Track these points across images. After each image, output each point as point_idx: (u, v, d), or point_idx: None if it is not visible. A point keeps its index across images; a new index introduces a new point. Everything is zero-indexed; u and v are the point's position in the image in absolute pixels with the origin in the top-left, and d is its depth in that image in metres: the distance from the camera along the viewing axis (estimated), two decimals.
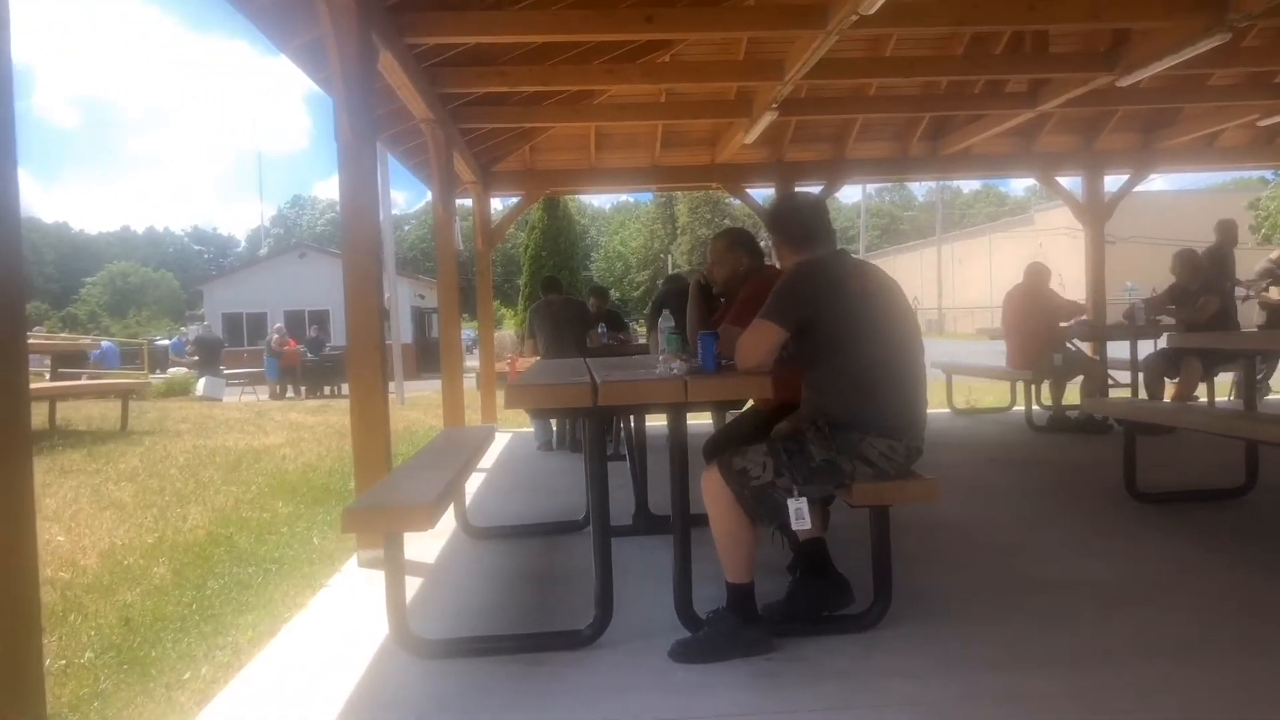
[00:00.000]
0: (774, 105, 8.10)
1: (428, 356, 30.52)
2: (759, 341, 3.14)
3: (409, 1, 5.63)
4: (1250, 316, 10.46)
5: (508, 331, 29.13)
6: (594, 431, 3.41)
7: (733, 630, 3.12)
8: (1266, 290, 10.04)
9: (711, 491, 3.15)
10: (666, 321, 3.93)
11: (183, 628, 3.75)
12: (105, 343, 22.81)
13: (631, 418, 5.32)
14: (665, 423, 3.34)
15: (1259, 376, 9.71)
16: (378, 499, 3.30)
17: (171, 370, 23.26)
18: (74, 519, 5.60)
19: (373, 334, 4.64)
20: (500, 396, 10.28)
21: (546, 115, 9.38)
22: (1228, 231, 10.05)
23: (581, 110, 9.49)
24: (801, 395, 3.41)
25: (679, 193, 53.53)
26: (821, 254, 3.31)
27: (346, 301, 4.66)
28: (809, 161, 11.21)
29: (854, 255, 3.50)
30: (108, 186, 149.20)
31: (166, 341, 27.02)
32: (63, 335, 35.88)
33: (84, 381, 13.92)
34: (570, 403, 3.19)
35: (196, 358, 21.63)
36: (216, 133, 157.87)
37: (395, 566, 3.20)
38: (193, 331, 23.31)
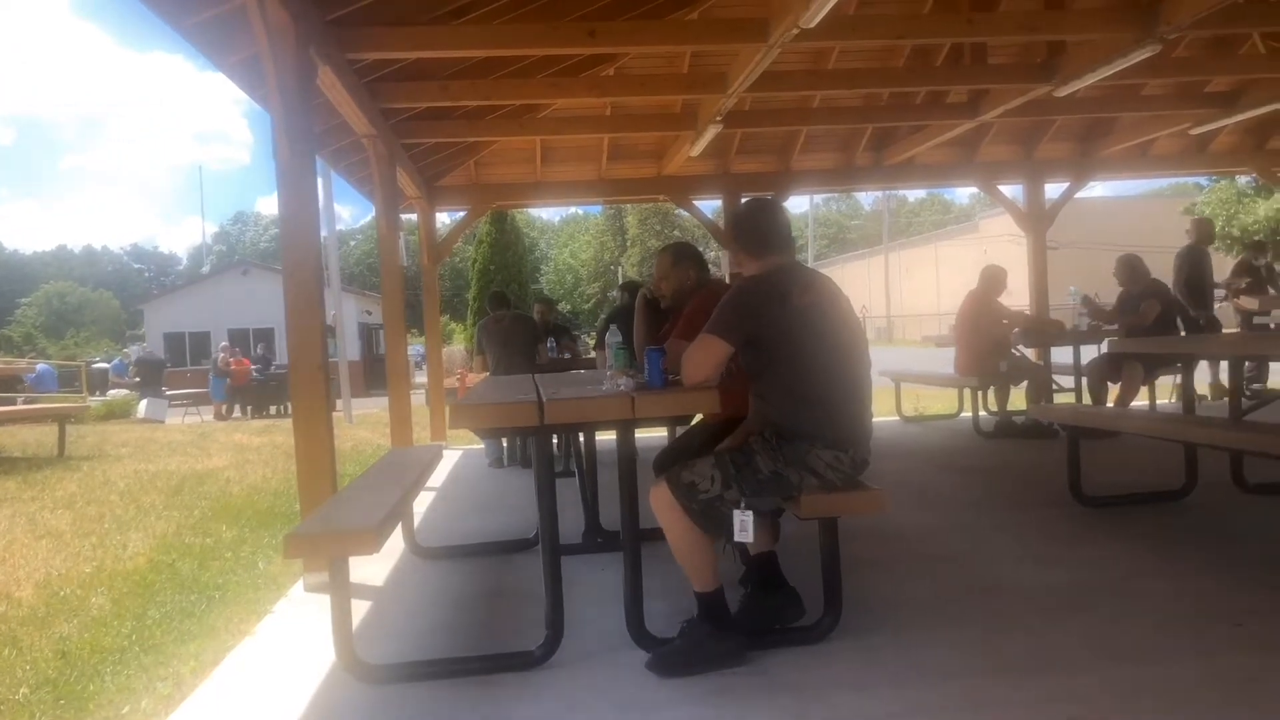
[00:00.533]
0: (719, 118, 8.14)
1: (375, 373, 30.18)
2: (705, 356, 3.14)
3: (348, 17, 5.56)
4: (1231, 318, 10.72)
5: (458, 347, 28.92)
6: (541, 450, 3.38)
7: (707, 639, 3.11)
8: (1243, 291, 10.25)
9: (660, 505, 3.14)
10: (614, 337, 3.92)
11: (122, 660, 3.65)
12: (41, 365, 22.26)
13: (580, 434, 5.29)
14: (615, 438, 3.32)
15: (1251, 381, 9.94)
16: (322, 523, 3.24)
17: (111, 392, 22.78)
18: (7, 549, 5.43)
19: (315, 354, 4.56)
20: (449, 413, 10.19)
21: (491, 129, 9.33)
22: (1203, 230, 10.27)
23: (526, 124, 9.46)
24: (749, 407, 3.41)
25: (628, 205, 53.66)
26: (774, 264, 3.31)
27: (288, 321, 4.57)
28: (756, 173, 11.29)
29: (806, 266, 3.51)
30: (43, 205, 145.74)
31: (106, 364, 26.43)
32: None
33: (19, 406, 13.56)
34: (516, 422, 3.16)
35: (138, 379, 21.20)
36: (155, 149, 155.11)
37: (340, 591, 3.14)
38: (134, 352, 22.86)
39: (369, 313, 33.96)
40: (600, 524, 4.93)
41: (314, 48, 4.89)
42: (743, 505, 3.09)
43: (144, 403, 18.69)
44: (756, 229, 3.39)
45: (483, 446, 8.94)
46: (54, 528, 5.95)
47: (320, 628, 3.75)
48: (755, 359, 3.23)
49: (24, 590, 4.65)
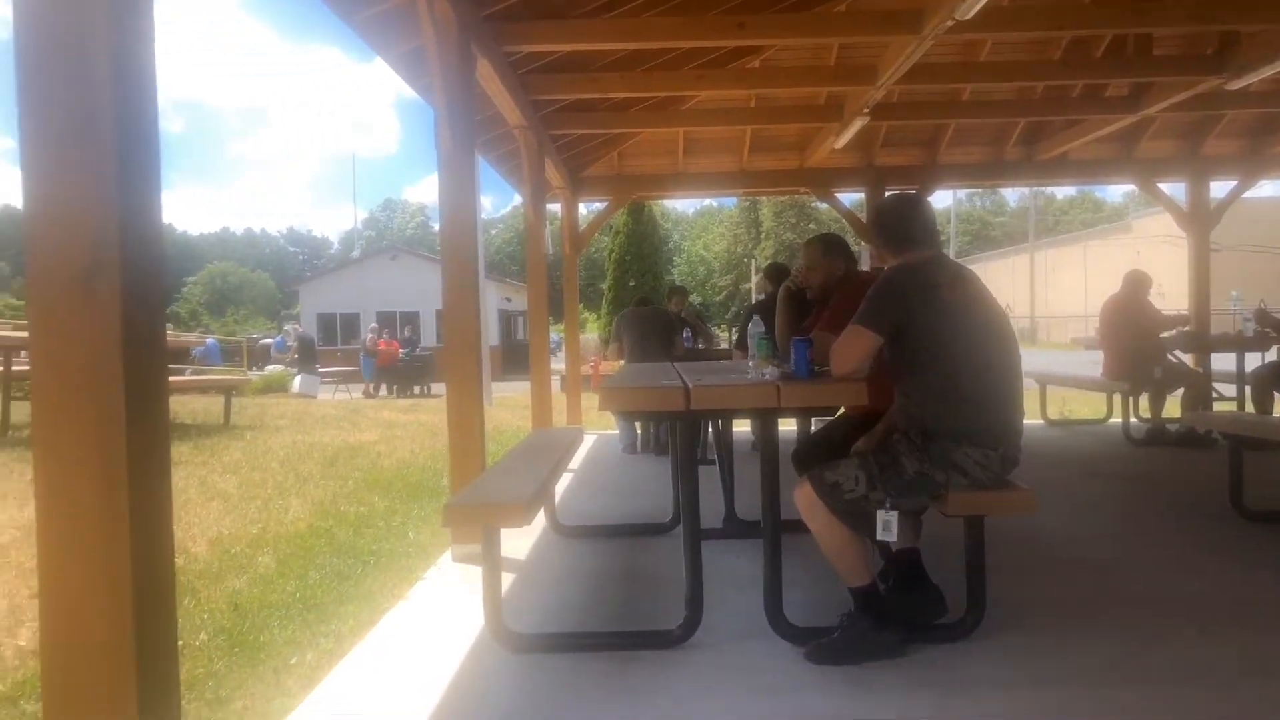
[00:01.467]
0: (865, 110, 8.05)
1: (513, 358, 30.95)
2: (853, 347, 3.15)
3: (506, 11, 5.76)
4: None
5: (591, 335, 29.37)
6: (685, 436, 3.46)
7: (865, 633, 3.14)
8: None
9: (805, 505, 3.17)
10: (756, 327, 3.97)
11: (287, 615, 3.90)
12: (209, 340, 23.65)
13: (719, 422, 5.36)
14: (750, 428, 3.37)
15: None
16: (475, 496, 3.40)
17: (269, 367, 23.99)
18: (183, 508, 5.85)
19: (470, 337, 4.76)
20: (585, 399, 10.41)
21: (636, 120, 9.47)
22: None
23: (670, 115, 9.56)
24: (892, 401, 3.41)
25: (764, 197, 53.26)
26: (920, 257, 3.30)
27: (445, 305, 4.79)
28: (901, 166, 11.09)
29: (952, 260, 3.47)
30: (209, 189, 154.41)
31: (270, 340, 27.82)
32: (169, 333, 37.24)
33: (189, 378, 14.48)
34: (662, 406, 3.24)
35: (296, 356, 22.31)
36: (311, 138, 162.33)
37: (491, 562, 3.29)
38: (292, 331, 24.08)
39: (508, 300, 34.79)
40: (736, 511, 4.99)
41: (474, 41, 5.09)
42: (888, 505, 3.09)
43: (298, 378, 19.66)
44: (901, 223, 3.37)
45: (616, 432, 9.12)
46: (222, 490, 6.38)
47: (467, 596, 3.94)
48: (901, 353, 3.22)
49: (199, 546, 5.01)
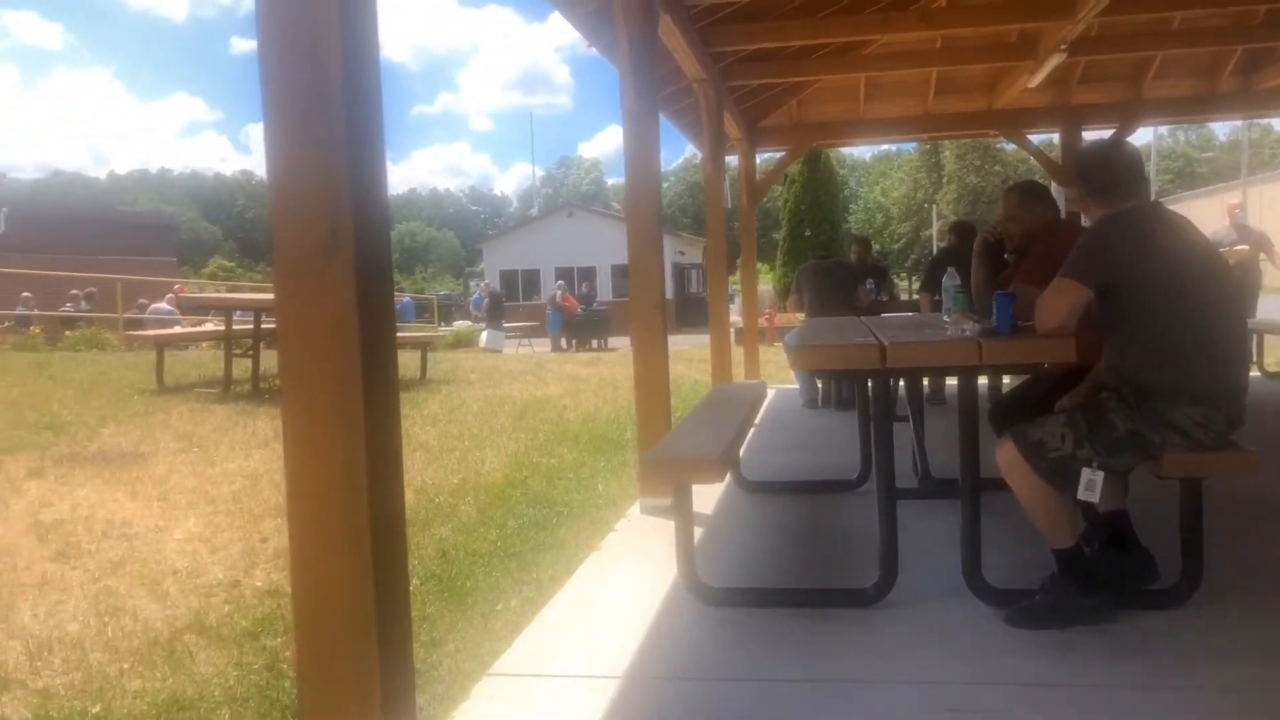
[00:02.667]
0: (1063, 46, 7.59)
1: (687, 311, 31.11)
2: (1060, 302, 3.01)
3: None
4: None
5: (765, 286, 29.15)
6: (878, 393, 3.40)
7: (1069, 597, 3.04)
8: None
9: (1008, 464, 3.07)
10: (952, 280, 3.85)
11: (490, 562, 4.11)
12: (405, 298, 24.89)
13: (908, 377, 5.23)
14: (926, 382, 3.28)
15: None
16: (668, 452, 3.46)
17: (457, 323, 25.06)
18: None
19: (655, 292, 4.83)
20: (762, 352, 10.38)
21: (815, 68, 9.26)
22: None
23: (851, 61, 9.30)
24: (1101, 359, 3.25)
25: (945, 140, 51.16)
26: (1129, 206, 3.11)
27: (630, 262, 4.87)
28: (1099, 104, 10.43)
29: (1166, 208, 3.26)
30: (396, 152, 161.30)
31: (471, 296, 29.01)
32: None
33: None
34: (856, 364, 3.21)
35: (487, 311, 23.26)
36: (487, 97, 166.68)
37: (684, 516, 3.36)
38: (485, 287, 25.14)
39: (682, 253, 34.92)
40: (930, 469, 4.89)
41: None
42: (1095, 465, 2.96)
43: (485, 334, 20.48)
44: (1107, 170, 3.17)
45: (795, 386, 9.05)
46: (424, 442, 6.73)
47: (658, 548, 4.04)
48: (1112, 306, 3.05)
49: (407, 495, 5.32)
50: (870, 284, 8.80)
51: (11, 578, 3.64)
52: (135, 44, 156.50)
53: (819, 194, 30.54)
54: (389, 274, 1.93)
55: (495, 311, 22.76)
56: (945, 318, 3.77)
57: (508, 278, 34.75)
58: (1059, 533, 3.08)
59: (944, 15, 8.37)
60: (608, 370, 12.27)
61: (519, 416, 7.99)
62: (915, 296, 10.27)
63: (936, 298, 7.32)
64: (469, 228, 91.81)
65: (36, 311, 18.57)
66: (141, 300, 19.98)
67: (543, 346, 22.10)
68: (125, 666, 2.97)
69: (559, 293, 23.23)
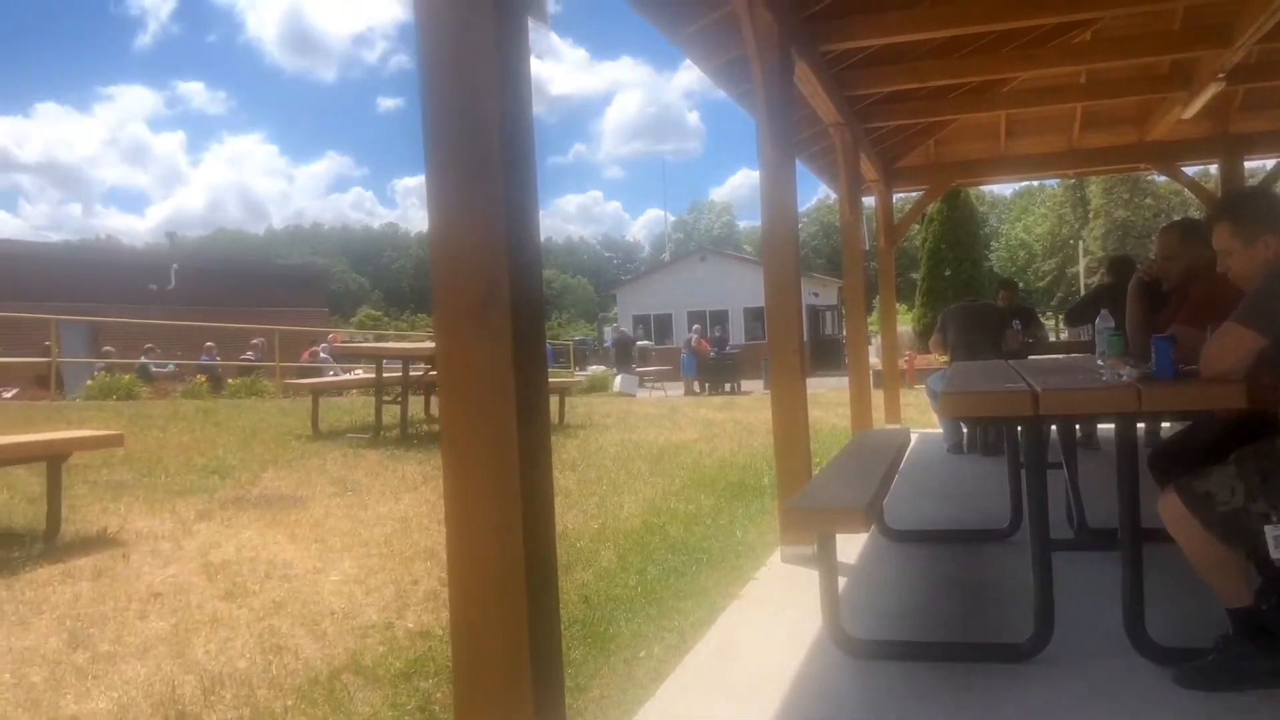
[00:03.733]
0: (1220, 75, 7.27)
1: (821, 354, 30.78)
2: (1231, 348, 2.85)
3: (825, 10, 5.76)
4: None
5: (904, 327, 28.58)
6: (1030, 440, 3.29)
7: (1245, 658, 2.86)
8: None
9: (1172, 517, 2.91)
10: (1105, 322, 3.71)
11: (631, 609, 4.13)
12: (545, 345, 25.56)
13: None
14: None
15: None
16: (811, 500, 3.43)
17: (590, 368, 25.45)
18: None
19: (793, 337, 4.81)
20: (904, 395, 10.15)
21: (953, 107, 9.14)
22: None
23: (991, 98, 9.13)
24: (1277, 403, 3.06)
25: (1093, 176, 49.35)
26: None
27: (768, 307, 4.88)
28: (1262, 132, 9.90)
29: None
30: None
31: (606, 341, 29.49)
32: None
33: None
34: (1007, 412, 3.12)
35: (616, 356, 23.60)
36: (618, 145, 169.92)
37: (828, 566, 3.31)
38: (612, 332, 25.63)
39: (815, 294, 34.65)
40: (1086, 519, 4.68)
41: (794, 45, 5.12)
42: (1275, 519, 2.78)
43: (618, 378, 20.72)
44: (1273, 208, 3.01)
45: (938, 430, 8.82)
46: (564, 486, 6.83)
47: (800, 597, 3.99)
48: None
49: None
50: (1016, 324, 8.54)
51: (186, 615, 3.86)
52: (290, 106, 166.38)
53: (959, 232, 29.83)
54: (542, 327, 2.00)
55: (624, 355, 23.05)
56: (1099, 361, 3.63)
57: (640, 322, 35.14)
58: (1233, 590, 2.90)
59: (1088, 50, 8.13)
60: (742, 415, 12.22)
61: (655, 461, 8.03)
62: (1063, 336, 9.90)
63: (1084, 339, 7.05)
64: (602, 274, 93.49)
65: (220, 361, 19.94)
66: (314, 349, 21.37)
67: (675, 390, 22.21)
68: (289, 704, 3.10)
69: (694, 336, 23.39)
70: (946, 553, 4.77)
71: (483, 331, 1.86)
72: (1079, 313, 8.01)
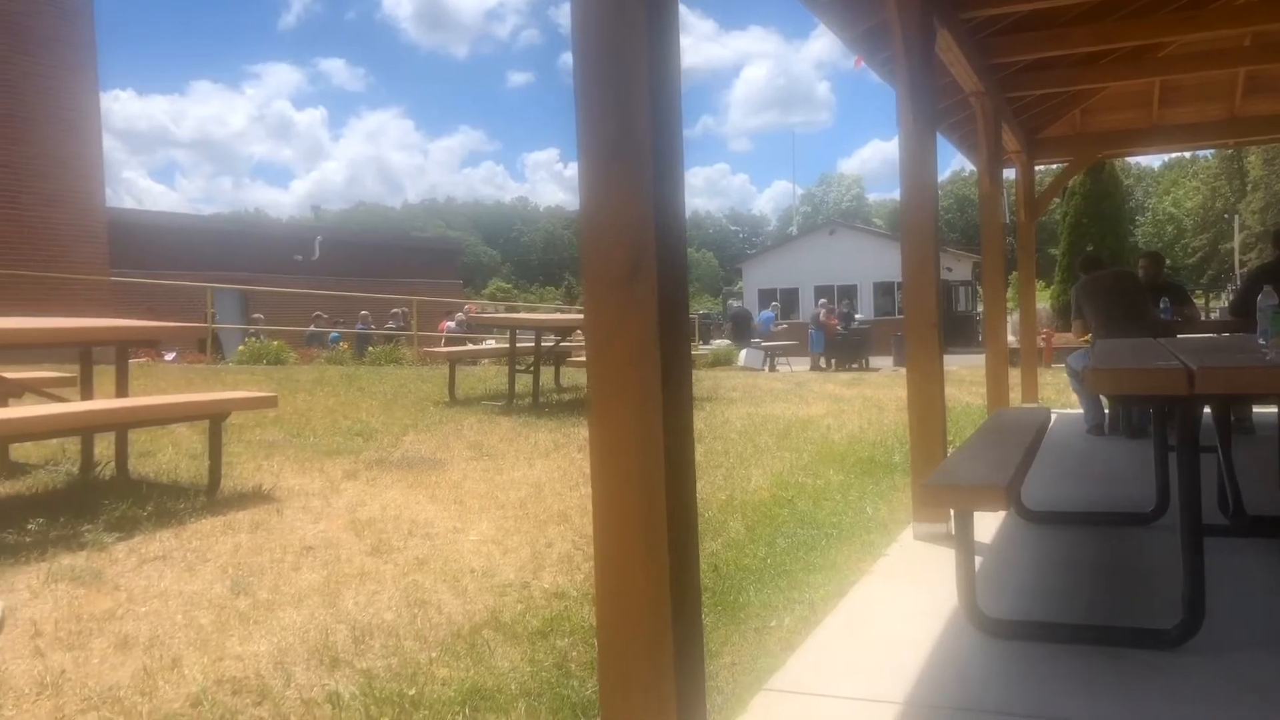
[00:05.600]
0: None
1: (953, 330, 29.95)
2: None
3: None
4: None
5: (1042, 304, 27.57)
6: (1183, 421, 3.17)
7: None
8: None
9: None
10: (1268, 299, 3.53)
11: (760, 579, 4.16)
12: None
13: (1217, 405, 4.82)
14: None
15: None
16: (949, 477, 3.39)
17: (714, 342, 25.45)
18: None
19: (930, 312, 4.73)
20: (1041, 374, 9.80)
21: (1103, 75, 8.74)
22: None
23: (1144, 65, 8.68)
24: None
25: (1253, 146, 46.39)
26: None
27: (904, 281, 4.81)
28: None
29: None
30: None
31: (767, 313, 29.31)
32: None
33: None
34: (1158, 390, 3.01)
35: (731, 331, 23.54)
36: (747, 117, 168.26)
37: (965, 544, 3.27)
38: (731, 307, 25.61)
39: (949, 269, 33.74)
40: (1243, 504, 4.47)
41: (935, 12, 5.00)
42: None
43: (743, 352, 20.65)
44: None
45: (1079, 411, 8.51)
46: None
47: (933, 574, 3.95)
48: None
49: None
50: (1163, 303, 8.13)
51: (336, 569, 4.07)
52: (425, 82, 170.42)
53: (1102, 206, 28.52)
54: (686, 299, 2.04)
55: (740, 331, 22.96)
56: (1261, 340, 3.46)
57: (766, 296, 34.88)
58: None
59: (1254, 10, 7.63)
60: (871, 391, 12.05)
61: (782, 435, 8.01)
62: (1215, 315, 9.37)
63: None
64: (727, 247, 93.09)
65: (374, 330, 21.08)
66: (458, 315, 22.36)
67: (801, 365, 22.01)
68: (433, 655, 3.25)
69: (822, 311, 23.10)
70: (1086, 535, 4.64)
71: (629, 302, 1.91)
72: (1243, 300, 7.52)
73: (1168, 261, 51.51)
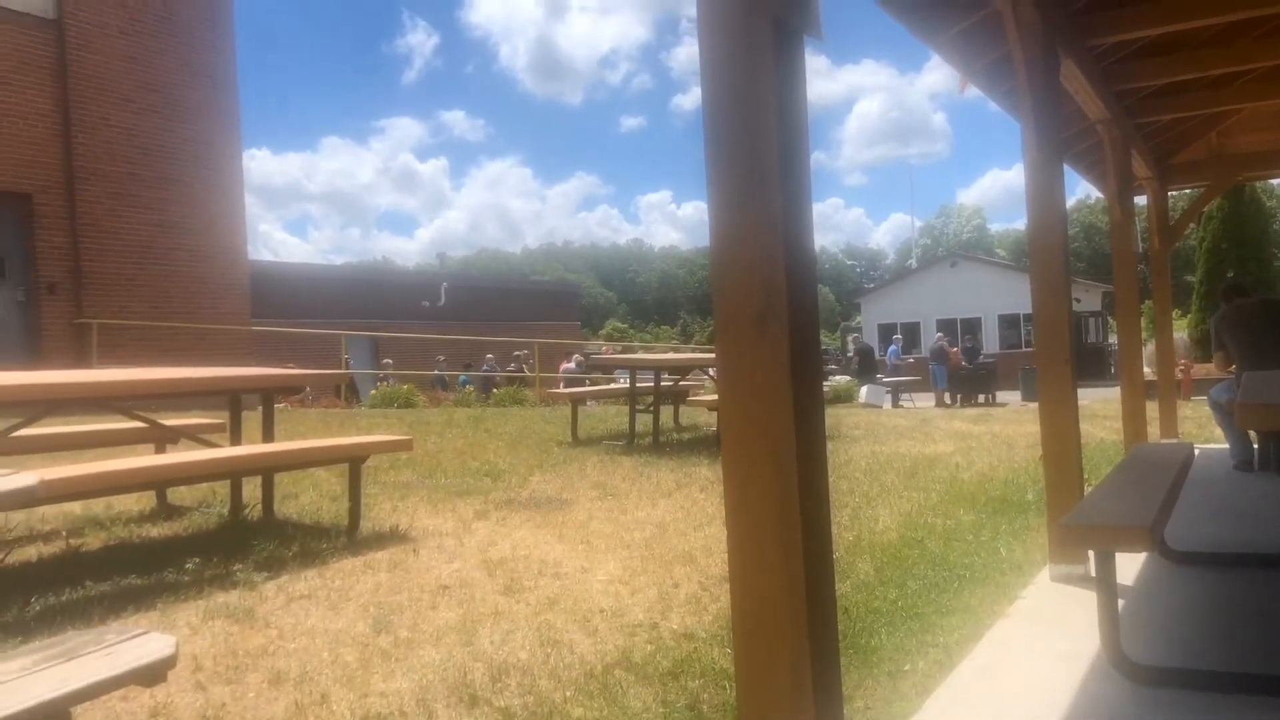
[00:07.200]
0: None
1: (1082, 363, 28.85)
2: None
3: (1091, 3, 5.48)
4: None
5: (1179, 334, 26.34)
6: None
7: None
8: None
9: None
10: None
11: (891, 622, 4.09)
12: None
13: None
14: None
15: None
16: (1088, 516, 3.29)
17: (834, 379, 25.13)
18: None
19: (1063, 347, 4.61)
20: (1237, 413, 9.29)
21: (1239, 95, 8.36)
22: None
23: None
24: None
25: None
26: None
27: (1035, 315, 4.71)
28: None
29: None
30: None
31: (893, 348, 28.99)
32: None
33: None
34: None
35: (856, 367, 23.19)
36: (861, 150, 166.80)
37: (1107, 586, 3.17)
38: (869, 345, 25.34)
39: (1078, 300, 32.58)
40: None
41: (1059, 42, 4.92)
42: None
43: (864, 389, 20.32)
44: None
45: (1224, 446, 8.10)
46: None
47: (1072, 618, 3.82)
48: None
49: None
50: None
51: (471, 607, 4.19)
52: (541, 130, 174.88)
53: (1244, 230, 27.13)
54: (817, 337, 2.07)
55: (866, 367, 22.61)
56: None
57: (886, 331, 34.32)
58: None
59: None
60: (1000, 427, 11.71)
61: (909, 475, 7.86)
62: None
63: None
64: (843, 282, 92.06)
65: (498, 372, 21.75)
66: (576, 355, 23.01)
67: (925, 401, 21.53)
68: (568, 694, 3.31)
69: (943, 344, 22.58)
70: (1237, 577, 4.42)
71: (762, 341, 1.95)
72: None
73: None
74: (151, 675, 2.26)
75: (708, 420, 10.95)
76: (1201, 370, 18.76)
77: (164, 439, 5.92)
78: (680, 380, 10.69)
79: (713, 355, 2.24)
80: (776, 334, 1.94)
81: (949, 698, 3.15)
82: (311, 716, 3.11)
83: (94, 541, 5.23)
